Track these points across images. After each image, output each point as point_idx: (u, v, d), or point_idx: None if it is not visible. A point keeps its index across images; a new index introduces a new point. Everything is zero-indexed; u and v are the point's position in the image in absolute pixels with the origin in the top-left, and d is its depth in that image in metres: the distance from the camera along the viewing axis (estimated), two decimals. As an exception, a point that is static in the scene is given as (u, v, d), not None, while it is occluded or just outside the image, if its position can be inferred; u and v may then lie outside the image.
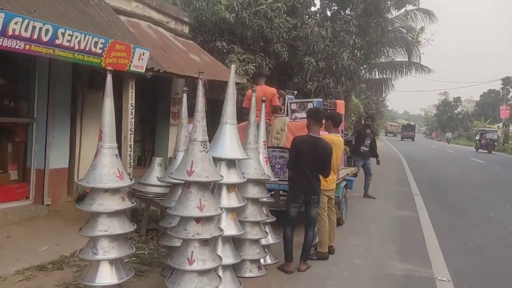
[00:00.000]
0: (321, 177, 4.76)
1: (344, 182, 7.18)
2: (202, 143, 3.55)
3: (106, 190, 3.45)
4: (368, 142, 9.37)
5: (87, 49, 4.58)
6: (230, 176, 4.06)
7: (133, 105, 5.75)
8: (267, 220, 4.84)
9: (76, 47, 4.46)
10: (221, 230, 3.75)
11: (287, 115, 6.64)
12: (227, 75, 8.63)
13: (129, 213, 5.81)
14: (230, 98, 4.06)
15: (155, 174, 5.24)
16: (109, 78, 3.56)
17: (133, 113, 5.76)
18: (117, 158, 3.55)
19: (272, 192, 6.60)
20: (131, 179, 3.70)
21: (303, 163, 4.59)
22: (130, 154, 5.74)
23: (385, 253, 5.56)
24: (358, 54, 13.64)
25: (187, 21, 9.24)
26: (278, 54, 10.77)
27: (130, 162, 5.74)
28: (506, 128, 43.38)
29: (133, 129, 5.76)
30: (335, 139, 5.07)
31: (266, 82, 6.68)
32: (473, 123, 57.29)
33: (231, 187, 4.09)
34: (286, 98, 6.74)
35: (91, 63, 4.75)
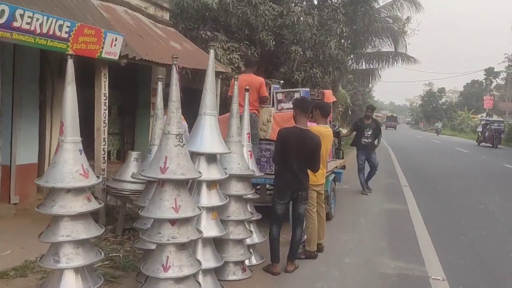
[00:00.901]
0: (309, 171, 4.43)
1: (333, 175, 6.88)
2: (177, 137, 3.19)
3: (68, 190, 3.05)
4: (369, 133, 8.89)
5: (51, 33, 4.14)
6: (211, 172, 3.70)
7: (107, 95, 5.33)
8: (252, 218, 4.51)
9: (38, 31, 4.02)
10: (200, 232, 3.40)
11: (273, 105, 6.28)
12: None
13: (104, 212, 5.43)
14: (209, 87, 3.68)
15: (131, 170, 4.85)
16: (70, 63, 3.18)
17: (107, 104, 5.34)
18: (81, 154, 3.15)
19: (258, 187, 6.31)
20: (98, 177, 3.31)
21: (290, 157, 4.25)
22: (104, 148, 5.32)
23: (376, 250, 5.28)
24: (345, 43, 13.32)
25: (167, 7, 8.77)
26: (263, 42, 10.39)
27: (104, 157, 5.33)
28: (490, 118, 43.77)
29: (106, 121, 5.34)
30: (324, 130, 4.75)
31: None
32: (457, 113, 57.87)
33: (211, 184, 3.73)
34: (272, 88, 6.37)
35: (55, 49, 4.31)
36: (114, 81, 8.04)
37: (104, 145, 5.33)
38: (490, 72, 53.06)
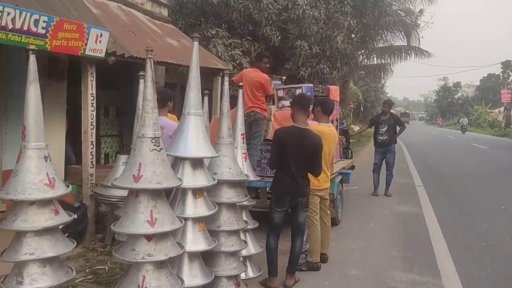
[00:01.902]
0: (310, 175, 4.02)
1: (340, 177, 6.45)
2: (153, 140, 2.81)
3: (31, 203, 2.70)
4: (384, 129, 8.35)
5: (25, 28, 3.80)
6: (196, 179, 3.31)
7: (94, 95, 4.99)
8: (248, 227, 4.11)
9: (10, 26, 3.68)
10: (182, 247, 3.02)
11: (273, 103, 5.88)
12: (212, 61, 7.93)
13: (93, 219, 5.10)
14: (193, 83, 3.29)
15: (119, 175, 4.50)
16: (31, 59, 2.84)
17: (94, 105, 5.00)
18: (46, 161, 2.80)
19: (259, 190, 5.92)
20: (68, 186, 2.95)
21: (288, 160, 3.85)
22: (91, 152, 4.98)
23: (387, 260, 4.84)
24: (354, 37, 12.81)
25: (165, 3, 8.41)
26: (267, 38, 9.98)
27: (92, 162, 4.99)
28: (508, 112, 42.61)
29: (94, 123, 5.00)
30: (325, 130, 4.32)
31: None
32: (474, 108, 56.51)
33: (197, 191, 3.34)
34: (272, 84, 5.96)
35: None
36: (111, 82, 7.76)
37: (92, 148, 4.99)
38: (507, 65, 51.55)
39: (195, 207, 3.33)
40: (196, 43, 3.30)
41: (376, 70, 22.58)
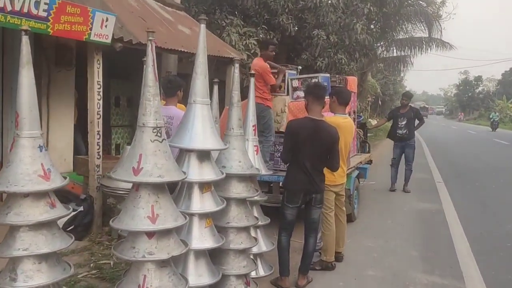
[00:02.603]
0: (326, 170, 3.76)
1: (356, 172, 6.17)
2: (155, 130, 2.60)
3: (25, 195, 2.53)
4: (403, 123, 7.98)
5: (25, 11, 3.62)
6: (203, 172, 3.09)
7: (101, 83, 4.80)
8: (259, 224, 3.88)
9: (9, 8, 3.51)
10: (186, 245, 2.81)
11: (287, 94, 5.62)
12: (225, 50, 7.67)
13: (100, 212, 4.95)
14: (199, 69, 3.06)
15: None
16: (24, 40, 2.65)
17: (101, 94, 4.82)
18: (41, 150, 2.62)
19: (271, 185, 5.68)
20: (65, 178, 2.77)
21: (302, 154, 3.60)
22: (98, 143, 4.81)
23: (406, 260, 4.57)
24: (374, 28, 12.38)
25: (178, -10, 8.18)
26: (283, 27, 9.69)
27: (99, 153, 4.82)
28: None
29: (101, 113, 4.82)
30: (341, 121, 4.05)
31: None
32: (495, 102, 54.97)
33: (204, 186, 3.13)
34: (287, 74, 5.69)
35: (34, 30, 3.79)
36: (122, 71, 7.60)
37: (99, 139, 4.82)
38: (531, 59, 49.88)
39: (201, 202, 3.12)
40: (203, 26, 3.06)
41: (395, 63, 21.97)
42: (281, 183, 5.43)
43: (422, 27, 19.03)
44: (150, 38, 2.64)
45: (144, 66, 2.68)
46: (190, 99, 3.09)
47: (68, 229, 4.55)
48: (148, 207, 2.56)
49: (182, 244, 2.78)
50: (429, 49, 20.31)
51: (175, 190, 3.20)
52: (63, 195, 5.42)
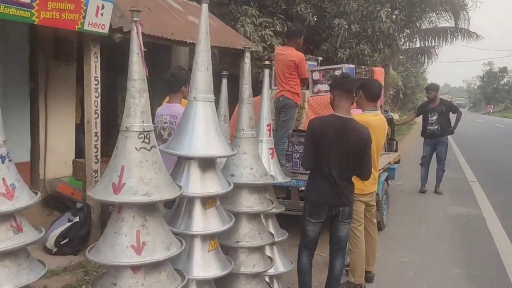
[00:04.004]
0: (355, 178, 3.17)
1: (385, 174, 5.53)
2: (141, 135, 2.05)
3: (-18, 218, 2.03)
4: (435, 118, 7.27)
5: (4, -4, 3.13)
6: (206, 184, 2.54)
7: (98, 79, 4.30)
8: (275, 240, 3.31)
9: (-17, -7, 3.02)
10: (183, 277, 2.26)
11: (307, 87, 5.02)
12: (239, 42, 7.09)
13: (98, 222, 4.46)
14: (200, 59, 2.50)
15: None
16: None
17: (99, 90, 4.31)
18: (3, 162, 2.11)
19: (289, 188, 5.10)
20: (36, 193, 2.25)
21: (326, 159, 3.01)
22: (96, 145, 4.32)
23: (448, 280, 3.93)
24: (399, 15, 11.60)
25: (189, -22, 7.63)
26: (302, 17, 9.05)
27: (96, 156, 4.33)
28: None
29: (99, 112, 4.32)
30: (372, 120, 3.41)
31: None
32: (522, 94, 52.85)
33: (208, 200, 2.58)
34: (307, 66, 5.08)
35: (15, 18, 3.30)
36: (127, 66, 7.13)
37: (97, 141, 4.33)
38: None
39: (204, 221, 2.56)
40: (205, 6, 2.49)
41: (419, 54, 20.99)
42: (300, 188, 4.86)
43: (447, 17, 18.08)
44: (134, 18, 2.10)
45: (130, 56, 2.13)
46: (190, 96, 2.54)
47: (62, 242, 4.09)
48: (132, 233, 2.01)
49: (178, 277, 2.23)
50: (454, 39, 19.32)
51: (174, 205, 2.67)
52: (61, 202, 4.98)
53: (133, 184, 1.99)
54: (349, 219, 3.15)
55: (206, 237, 2.58)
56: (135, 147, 2.03)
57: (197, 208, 2.55)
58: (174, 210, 2.62)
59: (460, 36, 19.28)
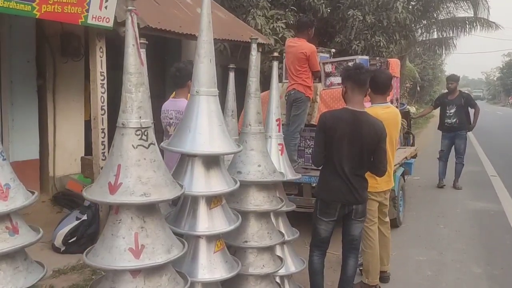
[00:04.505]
0: (369, 174, 3.01)
1: (402, 169, 5.34)
2: (139, 132, 1.93)
3: (-25, 220, 1.94)
4: (453, 111, 7.02)
5: (2, -12, 3.04)
6: (211, 182, 2.42)
7: (104, 74, 4.21)
8: (286, 239, 3.18)
9: (-19, -15, 2.94)
10: (186, 280, 2.15)
11: (320, 81, 4.85)
12: (250, 35, 6.90)
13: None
14: (203, 50, 2.38)
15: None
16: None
17: (105, 86, 4.22)
18: (-3, 160, 2.02)
19: (301, 184, 4.95)
20: (33, 193, 2.16)
21: (339, 154, 2.85)
22: (103, 142, 4.24)
23: (468, 279, 3.75)
24: (415, 5, 11.27)
25: (198, -29, 7.50)
26: (315, 8, 8.82)
27: (103, 153, 4.25)
28: None
29: (105, 108, 4.23)
30: (380, 113, 3.17)
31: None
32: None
33: (213, 199, 2.46)
34: (319, 58, 4.91)
35: (16, 12, 3.21)
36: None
37: (104, 137, 4.25)
38: None
39: (210, 220, 2.45)
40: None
41: (436, 45, 20.45)
42: (313, 184, 4.71)
43: (466, 6, 17.55)
44: (129, 7, 1.98)
45: (125, 47, 2.01)
46: (192, 89, 2.42)
47: (70, 241, 4.04)
48: (131, 235, 1.91)
49: (181, 281, 2.12)
50: (473, 29, 18.77)
51: (178, 204, 2.56)
52: (71, 199, 4.94)
53: (130, 184, 1.88)
54: (362, 218, 2.99)
55: (211, 238, 2.46)
56: (132, 145, 1.91)
57: (202, 207, 2.44)
58: (178, 209, 2.51)
59: (479, 26, 18.74)
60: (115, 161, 1.91)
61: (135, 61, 1.93)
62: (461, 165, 7.26)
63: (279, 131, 3.28)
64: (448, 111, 7.12)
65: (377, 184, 3.27)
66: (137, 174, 1.90)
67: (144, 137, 1.93)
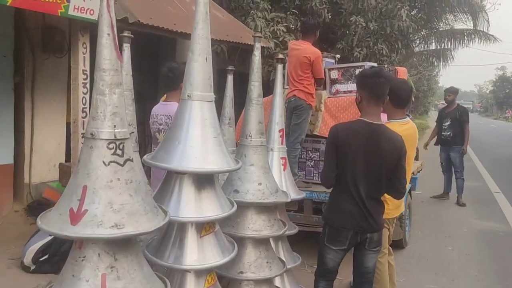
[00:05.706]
0: (387, 197, 2.62)
1: (409, 186, 4.94)
2: (112, 145, 1.52)
3: None
4: (447, 124, 6.88)
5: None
6: (202, 205, 2.01)
7: (87, 73, 3.79)
8: (288, 267, 2.77)
9: None
10: (168, 332, 1.73)
11: (324, 88, 4.47)
12: (249, 37, 6.51)
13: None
14: (197, 47, 1.98)
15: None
16: None
17: (88, 86, 3.80)
18: None
19: (303, 197, 4.54)
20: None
21: (353, 174, 2.44)
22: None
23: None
24: (418, 14, 11.01)
25: (196, -32, 7.11)
26: (316, 13, 8.46)
27: (83, 160, 3.81)
28: None
29: (87, 110, 3.81)
30: (399, 130, 2.70)
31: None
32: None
33: (204, 226, 2.04)
34: (324, 64, 4.52)
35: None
36: (132, 61, 6.63)
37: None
38: None
39: (200, 251, 2.04)
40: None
41: (434, 56, 20.28)
42: (314, 199, 4.29)
43: (465, 18, 17.40)
44: (105, -12, 1.56)
45: (98, 38, 1.59)
46: (183, 93, 2.02)
47: (42, 259, 3.59)
48: (96, 278, 1.48)
49: (161, 332, 1.70)
50: (471, 42, 18.63)
51: (162, 229, 2.14)
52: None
53: (98, 212, 1.46)
54: (377, 247, 2.59)
55: (201, 272, 2.05)
56: (103, 161, 1.49)
57: (191, 235, 2.03)
58: (161, 236, 2.09)
59: (477, 39, 18.60)
60: (80, 182, 1.49)
61: (110, 55, 1.52)
62: (461, 179, 7.00)
63: (282, 144, 2.88)
64: (444, 124, 7.02)
65: (389, 210, 2.86)
66: (107, 199, 1.48)
67: (119, 152, 1.52)
